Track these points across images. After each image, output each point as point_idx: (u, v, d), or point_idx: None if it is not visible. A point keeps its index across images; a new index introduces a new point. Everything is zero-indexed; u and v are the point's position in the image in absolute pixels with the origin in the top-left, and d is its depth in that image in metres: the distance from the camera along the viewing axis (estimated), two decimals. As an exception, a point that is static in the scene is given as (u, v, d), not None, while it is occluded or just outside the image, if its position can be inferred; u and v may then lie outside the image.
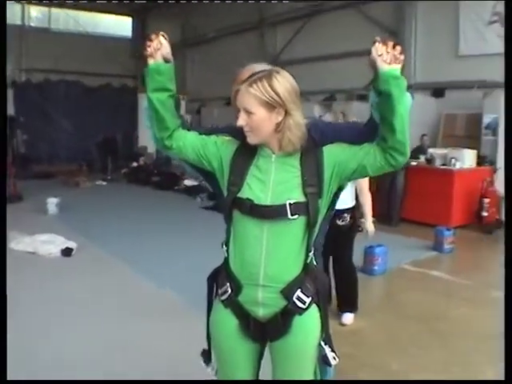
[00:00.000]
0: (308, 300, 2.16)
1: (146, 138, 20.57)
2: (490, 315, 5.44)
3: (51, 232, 7.77)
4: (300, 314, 2.16)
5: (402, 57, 2.00)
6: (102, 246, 7.80)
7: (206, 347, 2.43)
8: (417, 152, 10.37)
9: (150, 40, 2.14)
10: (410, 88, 2.23)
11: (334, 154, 2.15)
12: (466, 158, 9.84)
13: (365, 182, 5.04)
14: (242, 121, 2.10)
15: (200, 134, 2.30)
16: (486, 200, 9.28)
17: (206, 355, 2.43)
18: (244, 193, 2.13)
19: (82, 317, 5.11)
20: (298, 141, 2.11)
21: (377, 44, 1.99)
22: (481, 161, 10.17)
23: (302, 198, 2.09)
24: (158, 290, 5.92)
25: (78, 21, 22.37)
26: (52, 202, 10.25)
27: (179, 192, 13.87)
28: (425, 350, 4.57)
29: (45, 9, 21.52)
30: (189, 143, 2.24)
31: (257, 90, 2.05)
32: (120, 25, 24.38)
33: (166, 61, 2.16)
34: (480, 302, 5.85)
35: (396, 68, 2.00)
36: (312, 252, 2.18)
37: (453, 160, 9.70)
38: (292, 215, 2.06)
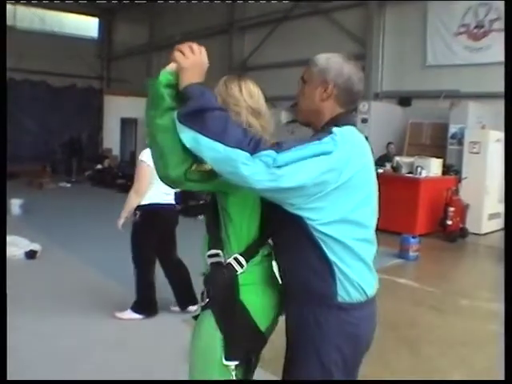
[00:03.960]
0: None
1: (111, 140, 20.51)
2: (455, 322, 5.52)
3: (15, 234, 7.54)
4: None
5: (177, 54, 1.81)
6: (68, 248, 7.65)
7: None
8: (383, 160, 10.47)
9: None
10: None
11: None
12: (432, 167, 9.96)
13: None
14: None
15: None
16: (451, 209, 9.38)
17: None
18: None
19: (51, 319, 4.99)
20: None
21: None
22: (446, 170, 10.31)
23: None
24: (125, 293, 5.83)
25: (44, 20, 22.05)
26: (16, 204, 10.02)
27: (144, 195, 13.69)
28: (393, 355, 4.60)
29: (10, 6, 21.00)
30: None
31: None
32: (86, 25, 24.13)
33: None
34: (446, 310, 5.91)
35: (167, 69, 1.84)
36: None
37: (419, 168, 9.81)
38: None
